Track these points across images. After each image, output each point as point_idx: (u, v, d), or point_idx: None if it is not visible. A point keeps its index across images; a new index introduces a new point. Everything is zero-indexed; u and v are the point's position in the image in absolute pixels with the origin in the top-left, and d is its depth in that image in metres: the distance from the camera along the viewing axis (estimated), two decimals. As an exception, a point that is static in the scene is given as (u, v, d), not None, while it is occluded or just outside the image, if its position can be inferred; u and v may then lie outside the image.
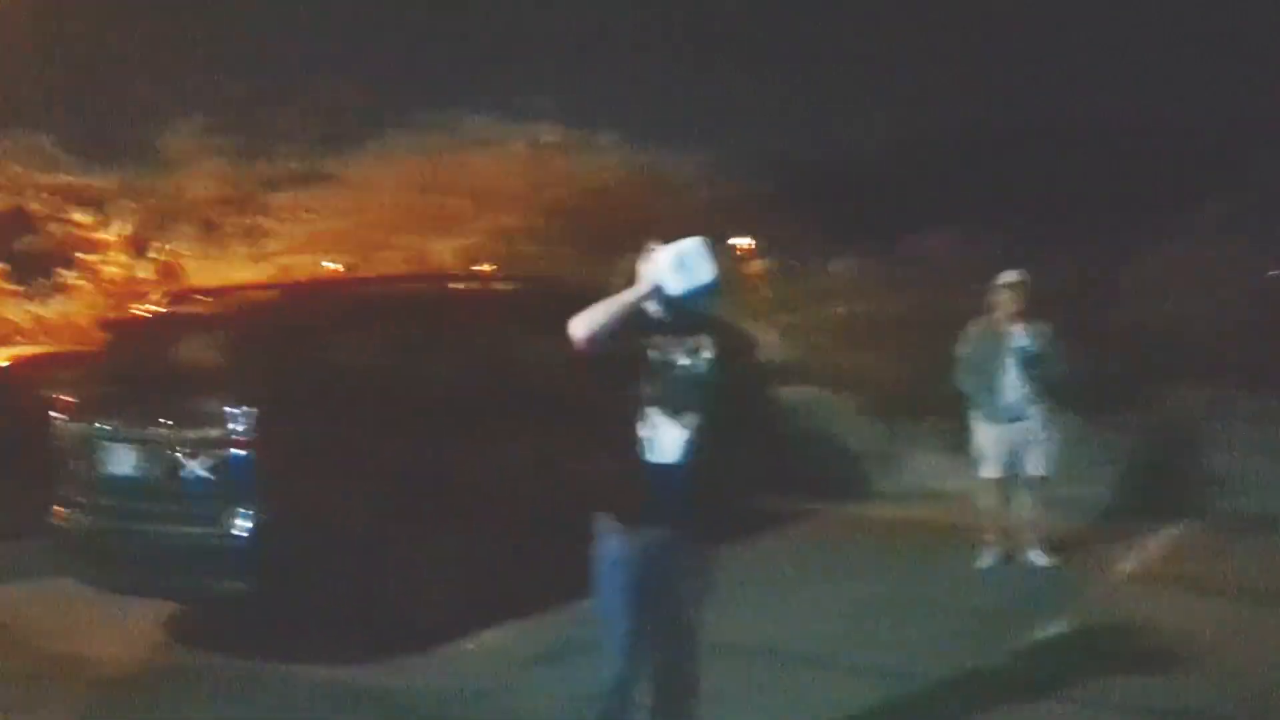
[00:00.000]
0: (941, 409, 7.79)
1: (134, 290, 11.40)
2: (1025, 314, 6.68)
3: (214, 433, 5.45)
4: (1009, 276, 6.78)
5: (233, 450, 5.42)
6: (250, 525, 5.40)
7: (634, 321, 3.64)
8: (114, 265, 12.31)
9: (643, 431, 3.66)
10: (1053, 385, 6.72)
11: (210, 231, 12.90)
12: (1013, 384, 6.68)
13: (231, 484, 5.44)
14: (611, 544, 3.72)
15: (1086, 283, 8.45)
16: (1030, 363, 6.62)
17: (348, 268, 11.61)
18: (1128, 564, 6.89)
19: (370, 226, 11.55)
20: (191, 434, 5.52)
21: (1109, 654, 5.39)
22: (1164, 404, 8.37)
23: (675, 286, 3.67)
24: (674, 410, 3.67)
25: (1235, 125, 9.61)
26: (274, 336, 5.84)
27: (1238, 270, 8.75)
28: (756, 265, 11.88)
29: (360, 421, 5.70)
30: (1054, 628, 5.75)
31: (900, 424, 8.83)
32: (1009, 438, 6.76)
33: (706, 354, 3.72)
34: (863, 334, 8.78)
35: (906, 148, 12.65)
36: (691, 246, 3.72)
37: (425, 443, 5.85)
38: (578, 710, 4.83)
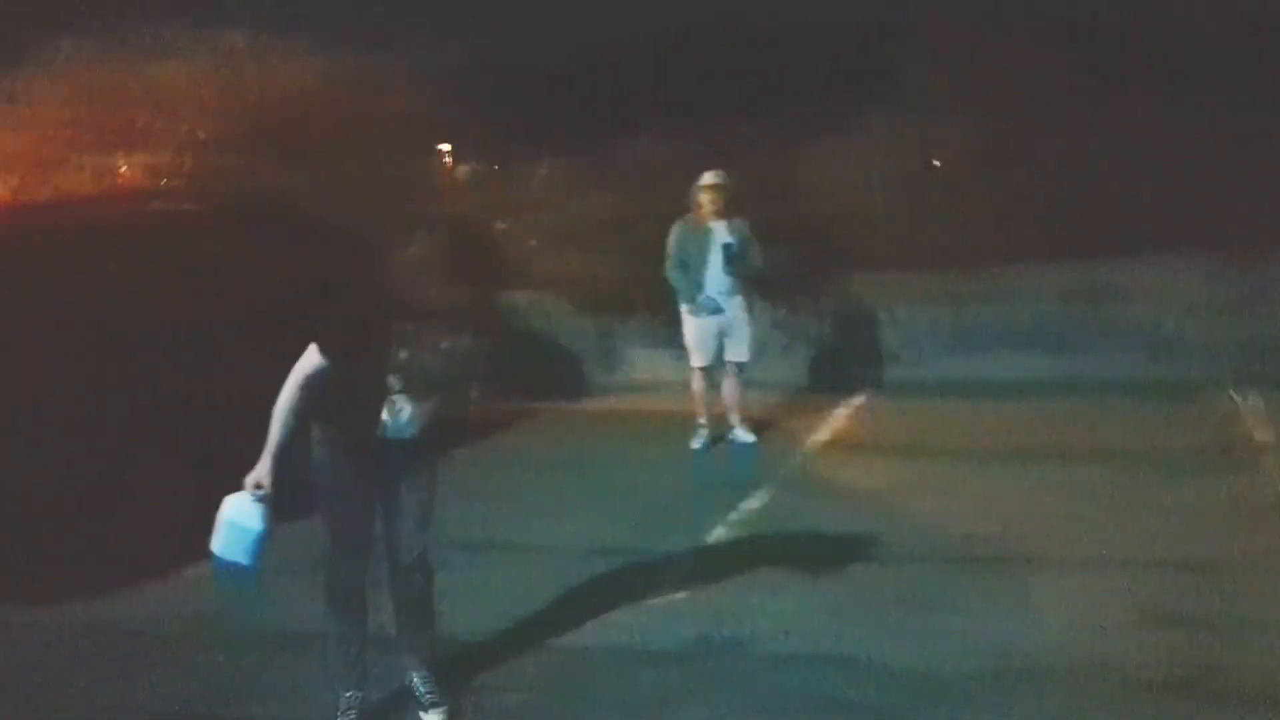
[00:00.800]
0: (652, 305, 8.26)
1: None
2: (725, 211, 7.17)
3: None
4: (709, 177, 7.21)
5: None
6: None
7: (381, 331, 3.53)
8: None
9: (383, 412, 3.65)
10: (751, 277, 7.29)
11: None
12: (715, 278, 7.18)
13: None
14: (332, 457, 3.74)
15: (777, 180, 9.06)
16: (731, 257, 7.13)
17: (21, 189, 10.71)
18: (821, 435, 7.64)
19: (45, 144, 10.66)
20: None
21: (809, 512, 6.02)
22: (845, 289, 9.20)
23: (217, 545, 3.60)
24: (417, 396, 3.65)
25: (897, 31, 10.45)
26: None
27: (905, 164, 9.63)
28: (461, 171, 11.91)
29: (61, 355, 5.45)
30: (761, 495, 6.34)
31: (614, 321, 9.27)
32: (713, 328, 7.29)
33: (458, 347, 3.58)
34: (573, 236, 9.08)
35: (607, 51, 12.91)
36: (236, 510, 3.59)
37: (142, 359, 5.68)
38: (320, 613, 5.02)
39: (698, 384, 7.47)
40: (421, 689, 3.99)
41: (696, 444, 7.44)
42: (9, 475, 5.17)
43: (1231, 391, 7.70)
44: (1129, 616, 4.48)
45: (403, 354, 3.49)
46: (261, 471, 3.58)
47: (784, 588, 4.90)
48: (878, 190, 9.25)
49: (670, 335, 7.94)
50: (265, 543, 3.61)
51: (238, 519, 3.57)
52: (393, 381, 3.57)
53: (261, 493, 3.57)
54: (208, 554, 5.59)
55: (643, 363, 9.14)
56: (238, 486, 3.49)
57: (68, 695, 4.41)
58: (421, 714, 3.96)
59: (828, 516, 5.90)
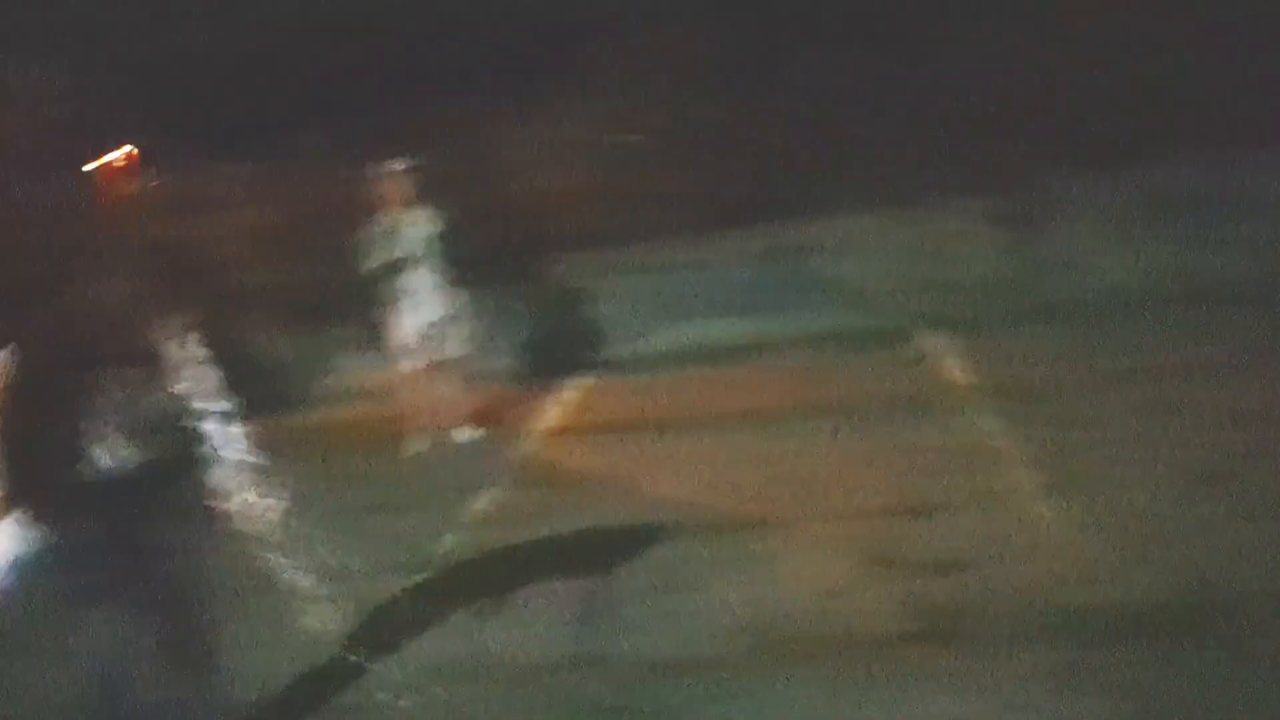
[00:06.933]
0: (356, 306, 7.76)
1: None
2: (414, 200, 6.81)
3: None
4: (392, 165, 6.84)
5: None
6: None
7: None
8: None
9: None
10: (450, 266, 6.97)
11: None
12: (417, 270, 6.81)
13: None
14: None
15: (464, 163, 8.76)
16: (428, 248, 6.78)
17: None
18: (543, 421, 7.45)
19: None
20: None
21: (541, 506, 5.82)
22: (551, 269, 9.05)
23: None
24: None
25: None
26: None
27: (585, 140, 9.55)
28: (134, 179, 10.88)
29: None
30: (491, 494, 6.08)
31: (319, 328, 8.70)
32: (425, 326, 6.93)
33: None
34: (264, 241, 8.45)
35: (267, 42, 12.10)
36: None
37: None
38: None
39: (411, 386, 7.10)
40: None
41: (417, 447, 7.08)
42: None
43: (925, 336, 8.12)
44: (860, 568, 4.56)
45: None
46: None
47: (525, 591, 4.67)
48: (574, 167, 9.12)
49: (377, 337, 7.52)
50: None
51: None
52: None
53: None
54: None
55: (354, 368, 8.62)
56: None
57: None
58: None
59: (560, 508, 5.72)
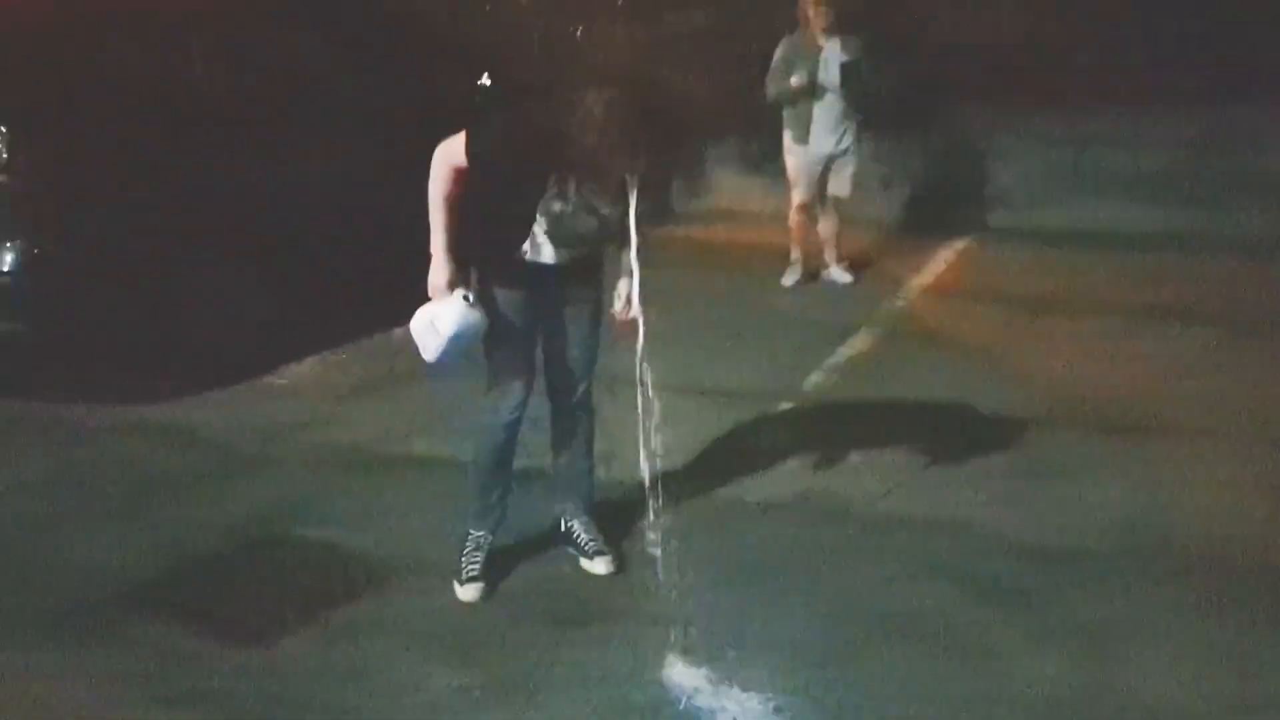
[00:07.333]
0: (745, 127, 7.68)
1: None
2: (838, 27, 6.53)
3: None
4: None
5: (-13, 176, 4.80)
6: (16, 259, 4.87)
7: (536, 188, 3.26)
8: None
9: (523, 244, 3.35)
10: (864, 103, 6.70)
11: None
12: (827, 104, 6.60)
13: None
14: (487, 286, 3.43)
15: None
16: (844, 79, 6.52)
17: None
18: (923, 278, 7.17)
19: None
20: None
21: (913, 364, 5.64)
22: (954, 122, 8.54)
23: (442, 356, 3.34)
24: (558, 245, 3.37)
25: None
26: (26, 39, 5.06)
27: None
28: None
29: (139, 138, 5.11)
30: (860, 340, 5.96)
31: (713, 144, 8.67)
32: (819, 159, 6.76)
33: (614, 215, 3.31)
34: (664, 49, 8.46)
35: None
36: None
37: (217, 161, 5.34)
38: (402, 435, 4.82)
39: (796, 218, 7.00)
40: (583, 535, 3.75)
41: (789, 280, 7.03)
42: (90, 276, 4.94)
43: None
44: (1257, 494, 4.11)
45: (556, 204, 3.25)
46: (449, 274, 3.31)
47: (888, 444, 4.57)
48: (1007, 23, 8.42)
49: (762, 162, 7.41)
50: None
51: (464, 330, 3.31)
52: (541, 221, 3.28)
53: (469, 295, 3.32)
54: (271, 366, 5.52)
55: (730, 190, 8.59)
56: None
57: (139, 500, 4.27)
58: (584, 562, 3.72)
59: (933, 369, 5.52)
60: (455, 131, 3.29)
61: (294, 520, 4.11)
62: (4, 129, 4.73)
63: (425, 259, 3.39)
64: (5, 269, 4.84)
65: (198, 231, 5.27)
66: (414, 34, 6.76)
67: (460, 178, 3.26)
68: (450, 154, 3.25)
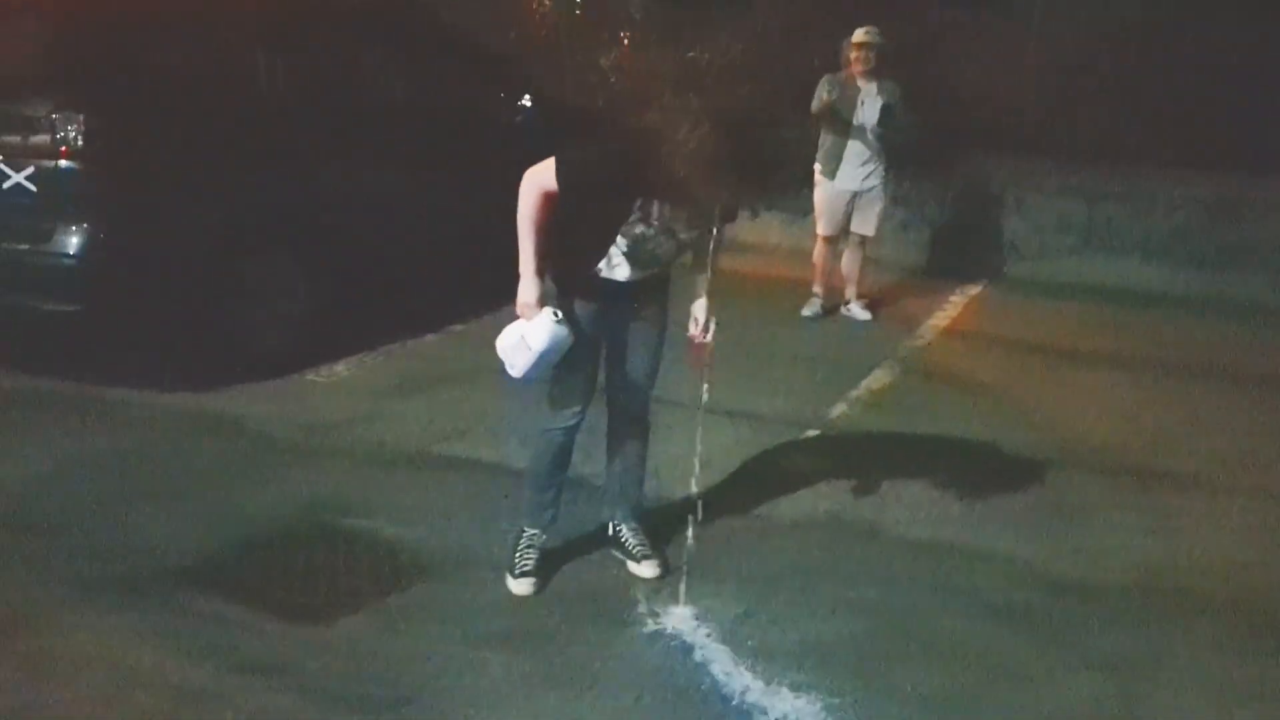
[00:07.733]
0: (785, 162, 7.84)
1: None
2: (877, 71, 6.77)
3: (37, 140, 4.93)
4: (861, 34, 6.77)
5: (60, 161, 4.94)
6: (80, 242, 5.02)
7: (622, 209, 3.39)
8: None
9: (600, 262, 3.49)
10: (896, 146, 6.92)
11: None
12: (860, 142, 6.83)
13: (58, 197, 4.99)
14: (558, 297, 3.55)
15: (915, 48, 8.57)
16: (881, 121, 6.75)
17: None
18: (938, 320, 7.37)
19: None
20: (12, 140, 4.98)
21: (935, 400, 5.83)
22: (974, 171, 8.79)
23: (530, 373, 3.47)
24: (639, 265, 3.50)
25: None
26: (102, 30, 5.23)
27: (1055, 47, 9.08)
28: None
29: (203, 131, 5.28)
30: (882, 375, 6.15)
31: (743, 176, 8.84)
32: (847, 196, 6.98)
33: (690, 240, 3.48)
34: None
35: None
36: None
37: (277, 158, 5.52)
38: (444, 435, 4.96)
39: (820, 252, 7.21)
40: (632, 540, 3.91)
41: (808, 312, 7.22)
42: (143, 261, 5.09)
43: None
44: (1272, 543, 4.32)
45: (639, 228, 3.38)
46: (538, 292, 3.43)
47: (914, 475, 4.75)
48: (1029, 78, 8.70)
49: (785, 198, 7.57)
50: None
51: (553, 345, 3.42)
52: (621, 243, 3.43)
53: (558, 312, 3.43)
54: (316, 361, 5.67)
55: (752, 224, 8.79)
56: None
57: (192, 484, 4.40)
58: (632, 565, 3.88)
59: (953, 407, 5.71)
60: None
61: (342, 511, 4.24)
62: (82, 117, 4.86)
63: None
64: (71, 252, 4.97)
65: (252, 228, 5.43)
66: (469, 56, 7.02)
67: (549, 202, 3.38)
68: (541, 180, 3.38)
